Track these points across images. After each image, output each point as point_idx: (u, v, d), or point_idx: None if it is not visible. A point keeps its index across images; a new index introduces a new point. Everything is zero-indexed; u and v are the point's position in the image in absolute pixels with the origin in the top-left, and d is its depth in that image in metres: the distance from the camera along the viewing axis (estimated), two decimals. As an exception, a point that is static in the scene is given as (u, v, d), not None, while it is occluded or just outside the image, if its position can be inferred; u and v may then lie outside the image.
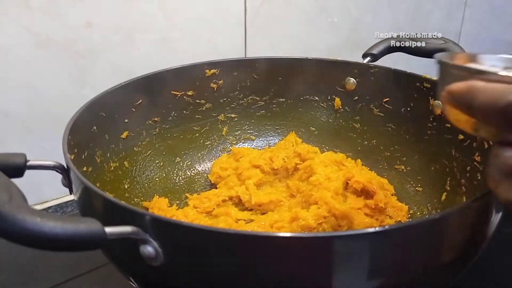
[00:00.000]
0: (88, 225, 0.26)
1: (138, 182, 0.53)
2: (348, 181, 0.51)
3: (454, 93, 0.27)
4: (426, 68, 0.52)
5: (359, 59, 0.60)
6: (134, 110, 0.53)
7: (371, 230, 0.28)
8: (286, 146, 0.57)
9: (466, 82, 0.26)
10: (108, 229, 0.27)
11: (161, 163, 0.56)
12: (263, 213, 0.50)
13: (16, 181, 0.29)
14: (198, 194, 0.53)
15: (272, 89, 0.62)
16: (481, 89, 0.25)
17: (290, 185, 0.53)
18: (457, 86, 0.27)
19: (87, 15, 0.57)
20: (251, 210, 0.51)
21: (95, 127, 0.47)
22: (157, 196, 0.51)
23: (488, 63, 0.33)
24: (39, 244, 0.25)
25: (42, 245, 0.25)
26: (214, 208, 0.50)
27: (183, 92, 0.57)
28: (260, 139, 0.63)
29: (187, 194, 0.54)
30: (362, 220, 0.45)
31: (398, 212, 0.49)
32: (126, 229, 0.28)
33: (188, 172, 0.59)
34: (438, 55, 0.32)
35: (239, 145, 0.62)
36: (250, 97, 0.62)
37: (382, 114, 0.58)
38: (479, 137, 0.27)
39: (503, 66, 0.32)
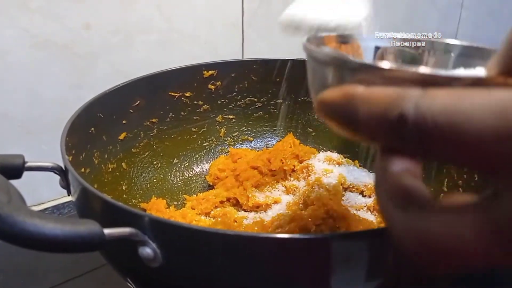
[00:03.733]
0: (87, 227, 0.26)
1: (135, 183, 0.53)
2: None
3: (328, 105, 0.20)
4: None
5: (357, 61, 0.60)
6: (132, 111, 0.53)
7: (370, 230, 0.28)
8: (284, 148, 0.57)
9: (341, 89, 0.19)
10: (107, 231, 0.27)
11: (159, 164, 0.56)
12: (261, 214, 0.50)
13: (12, 182, 0.29)
14: (196, 196, 0.53)
15: (270, 91, 0.62)
16: (363, 97, 0.18)
17: (288, 186, 0.53)
18: (330, 95, 0.19)
19: (86, 17, 0.57)
20: (249, 211, 0.51)
21: (93, 129, 0.47)
22: (155, 197, 0.51)
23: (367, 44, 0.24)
24: (39, 245, 0.25)
25: (41, 246, 0.25)
26: (212, 210, 0.50)
27: (181, 94, 0.57)
28: (258, 140, 0.63)
29: (185, 196, 0.54)
30: (360, 221, 0.45)
31: (396, 213, 0.49)
32: (125, 230, 0.28)
33: (185, 174, 0.59)
34: (307, 40, 0.24)
35: (237, 146, 0.62)
36: (248, 98, 0.62)
37: (380, 116, 0.58)
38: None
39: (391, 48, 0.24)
